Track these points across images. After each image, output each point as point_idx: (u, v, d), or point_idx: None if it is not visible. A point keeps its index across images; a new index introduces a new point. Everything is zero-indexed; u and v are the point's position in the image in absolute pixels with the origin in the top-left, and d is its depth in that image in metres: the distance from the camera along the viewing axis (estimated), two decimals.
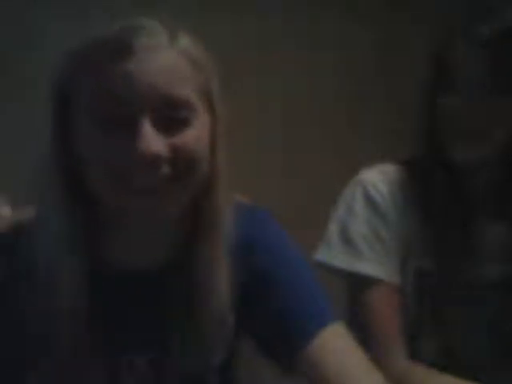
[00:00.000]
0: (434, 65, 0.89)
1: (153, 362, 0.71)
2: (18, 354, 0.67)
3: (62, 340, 0.64)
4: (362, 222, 0.91)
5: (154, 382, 0.71)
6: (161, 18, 0.64)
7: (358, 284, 0.89)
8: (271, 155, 2.04)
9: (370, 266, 0.88)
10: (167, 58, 0.62)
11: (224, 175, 0.69)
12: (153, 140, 0.59)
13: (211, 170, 0.67)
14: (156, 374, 0.71)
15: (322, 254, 0.93)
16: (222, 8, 1.98)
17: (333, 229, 0.94)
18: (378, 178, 0.94)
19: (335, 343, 0.69)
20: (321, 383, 0.66)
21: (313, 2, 2.15)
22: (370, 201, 0.91)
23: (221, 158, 0.68)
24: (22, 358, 0.67)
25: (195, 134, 0.63)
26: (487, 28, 0.83)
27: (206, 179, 0.66)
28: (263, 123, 1.99)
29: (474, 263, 0.88)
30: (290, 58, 2.11)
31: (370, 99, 2.16)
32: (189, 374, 0.70)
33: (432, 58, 0.90)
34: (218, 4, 1.97)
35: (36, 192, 0.67)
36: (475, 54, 0.83)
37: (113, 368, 0.70)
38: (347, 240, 0.91)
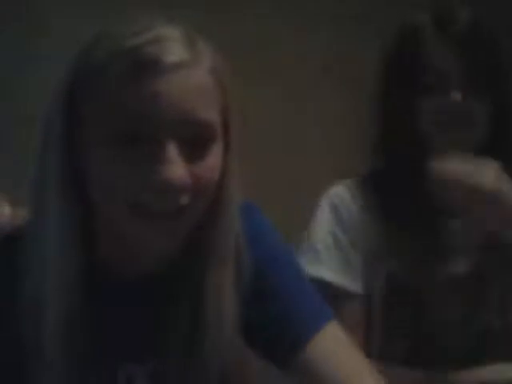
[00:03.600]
0: (403, 63, 0.90)
1: (152, 373, 0.68)
2: (10, 364, 0.64)
3: (56, 350, 0.61)
4: (325, 230, 0.93)
5: None
6: (172, 20, 0.61)
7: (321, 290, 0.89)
8: (271, 156, 2.04)
9: (329, 271, 0.91)
10: (195, 77, 0.59)
11: (235, 194, 0.67)
12: (178, 167, 0.57)
13: (221, 191, 0.64)
14: None
15: None
16: (222, 8, 1.98)
17: (303, 238, 0.96)
18: (343, 189, 0.96)
19: (332, 344, 0.69)
20: (318, 382, 0.66)
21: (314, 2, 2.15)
22: (333, 209, 0.94)
23: (232, 181, 0.66)
24: (14, 369, 0.64)
25: (213, 162, 0.61)
26: (457, 23, 0.84)
27: (216, 199, 0.64)
28: (263, 124, 1.99)
29: (440, 260, 0.89)
30: (290, 58, 2.11)
31: (370, 99, 2.16)
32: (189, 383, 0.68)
33: (402, 61, 0.90)
34: (217, 4, 1.98)
35: (33, 196, 0.64)
36: (449, 53, 0.84)
37: (111, 381, 0.67)
38: (312, 247, 0.93)
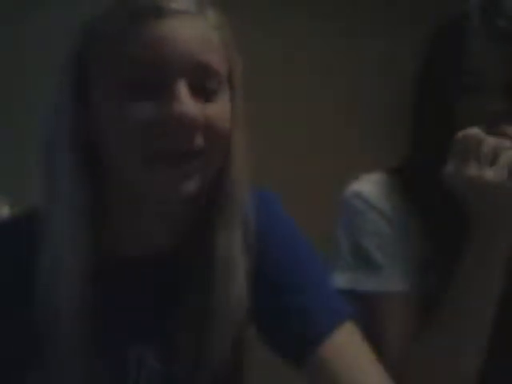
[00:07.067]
0: (444, 64, 0.82)
1: (162, 353, 0.68)
2: (18, 350, 0.64)
3: (67, 334, 0.61)
4: (375, 235, 0.84)
5: (162, 377, 0.69)
6: None
7: (379, 300, 0.82)
8: (271, 156, 2.04)
9: (395, 280, 0.82)
10: (198, 25, 0.60)
11: (242, 156, 0.67)
12: (190, 103, 0.58)
13: (229, 148, 0.65)
14: (164, 368, 0.68)
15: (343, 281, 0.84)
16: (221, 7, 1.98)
17: (345, 250, 0.85)
18: (376, 190, 0.87)
19: (349, 342, 0.68)
20: (333, 381, 0.65)
21: (314, 2, 2.15)
22: (377, 211, 0.85)
23: (239, 139, 0.66)
24: (22, 355, 0.64)
25: (223, 107, 0.62)
26: (504, 19, 0.76)
27: (225, 157, 0.65)
28: (263, 124, 1.98)
29: None
30: (290, 58, 2.11)
31: (370, 98, 2.17)
32: (198, 367, 0.67)
33: (441, 57, 0.83)
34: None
35: (41, 177, 0.63)
36: (495, 50, 0.76)
37: (121, 363, 0.67)
38: (365, 259, 0.83)
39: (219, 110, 0.61)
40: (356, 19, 2.19)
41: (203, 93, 0.60)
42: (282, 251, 0.71)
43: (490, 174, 0.70)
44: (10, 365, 0.66)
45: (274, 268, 0.70)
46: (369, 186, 0.88)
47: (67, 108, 0.61)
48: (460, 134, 0.72)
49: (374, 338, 0.80)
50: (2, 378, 0.66)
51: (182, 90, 0.58)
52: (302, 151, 2.11)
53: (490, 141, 0.71)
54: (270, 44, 2.08)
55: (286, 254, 0.71)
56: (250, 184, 0.70)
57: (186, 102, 0.58)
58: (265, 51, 2.05)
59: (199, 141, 0.60)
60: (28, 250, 0.63)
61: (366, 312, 0.82)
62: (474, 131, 0.71)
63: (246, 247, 0.68)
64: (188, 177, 0.60)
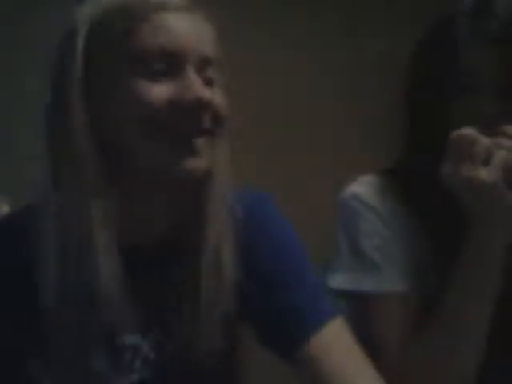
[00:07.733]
0: (439, 66, 0.82)
1: (155, 345, 0.70)
2: (20, 340, 0.66)
3: (82, 325, 0.62)
4: (374, 236, 0.84)
5: (155, 367, 0.70)
6: None
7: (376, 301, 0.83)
8: (271, 156, 2.04)
9: (393, 280, 0.82)
10: (196, 19, 0.65)
11: (225, 152, 0.70)
12: (205, 88, 0.63)
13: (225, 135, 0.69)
14: (158, 358, 0.70)
15: (343, 282, 0.84)
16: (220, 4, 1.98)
17: (344, 250, 0.86)
18: (372, 191, 0.87)
19: (337, 339, 0.69)
20: (321, 378, 0.66)
21: (314, 2, 2.15)
22: (375, 212, 0.85)
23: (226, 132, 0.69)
24: (24, 344, 0.66)
25: (221, 94, 0.66)
26: (496, 21, 0.76)
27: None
28: (263, 123, 1.99)
29: None
30: (290, 58, 2.11)
31: (370, 98, 2.17)
32: (190, 357, 0.68)
33: (436, 58, 0.83)
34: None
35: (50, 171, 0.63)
36: (488, 52, 0.76)
37: (119, 351, 0.68)
38: (364, 260, 0.84)
39: (220, 96, 0.65)
40: (356, 19, 2.19)
41: (205, 80, 0.64)
42: (273, 250, 0.72)
43: (484, 174, 0.69)
44: (11, 356, 0.67)
45: (264, 266, 0.71)
46: (364, 187, 0.88)
47: (78, 105, 0.62)
48: (454, 133, 0.72)
49: (373, 338, 0.80)
50: (1, 369, 0.67)
51: (195, 76, 0.63)
52: (301, 151, 2.11)
53: (484, 141, 0.70)
54: (270, 44, 2.08)
55: (276, 254, 0.73)
56: (240, 184, 0.71)
57: (202, 86, 0.63)
58: (265, 51, 2.05)
59: (207, 123, 0.63)
60: (27, 245, 0.63)
61: (366, 312, 0.83)
62: (468, 131, 0.71)
63: (235, 244, 0.69)
64: (195, 154, 0.63)
